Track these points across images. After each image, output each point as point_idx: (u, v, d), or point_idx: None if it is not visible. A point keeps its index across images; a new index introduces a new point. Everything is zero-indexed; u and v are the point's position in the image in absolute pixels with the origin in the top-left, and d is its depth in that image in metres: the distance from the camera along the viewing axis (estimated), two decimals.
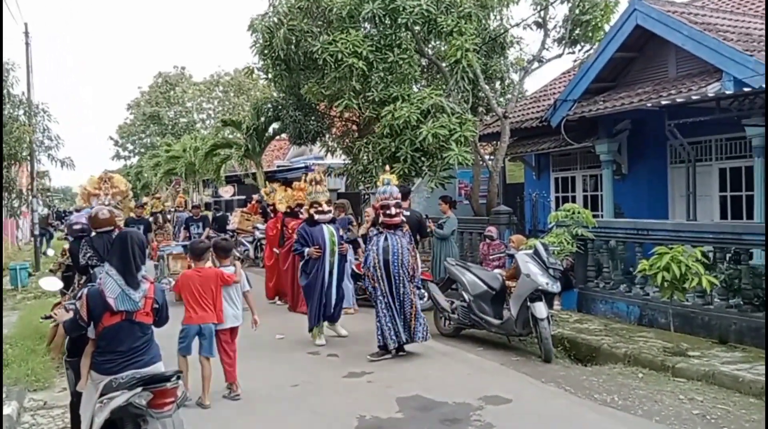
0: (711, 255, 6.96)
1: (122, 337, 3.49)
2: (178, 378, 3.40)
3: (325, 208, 7.25)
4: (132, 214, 10.00)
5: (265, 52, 10.27)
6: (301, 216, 8.67)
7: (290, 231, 8.79)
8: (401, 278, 6.39)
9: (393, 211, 6.42)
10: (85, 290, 3.60)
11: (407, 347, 6.53)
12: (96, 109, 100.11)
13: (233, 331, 5.31)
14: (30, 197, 15.82)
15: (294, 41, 10.08)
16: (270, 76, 10.75)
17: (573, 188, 12.36)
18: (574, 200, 11.65)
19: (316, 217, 7.19)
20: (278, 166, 25.66)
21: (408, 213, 7.86)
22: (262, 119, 15.86)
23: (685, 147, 8.08)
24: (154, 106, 42.63)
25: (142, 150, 43.92)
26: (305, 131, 13.77)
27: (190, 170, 23.48)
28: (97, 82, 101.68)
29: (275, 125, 16.70)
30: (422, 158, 9.40)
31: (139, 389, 3.26)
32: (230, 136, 20.34)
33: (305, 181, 8.42)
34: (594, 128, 10.78)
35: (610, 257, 8.35)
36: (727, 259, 6.99)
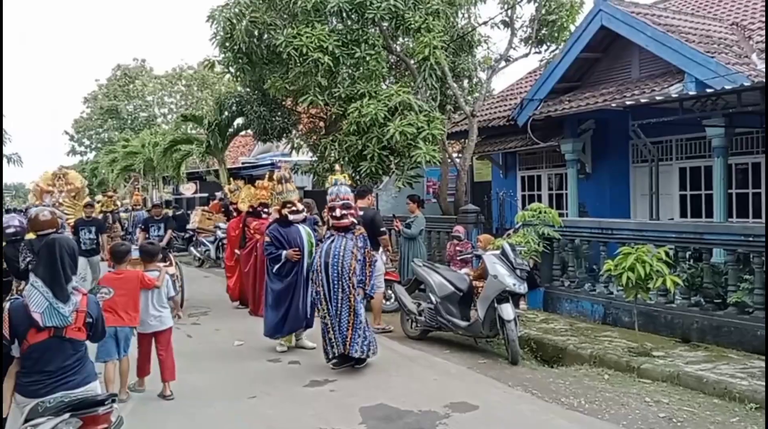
0: (672, 254, 7.05)
1: (50, 355, 3.17)
2: (113, 401, 3.14)
3: (299, 207, 6.90)
4: (82, 214, 9.54)
5: (227, 44, 9.93)
6: (264, 216, 8.40)
7: (252, 231, 8.53)
8: (339, 283, 5.91)
9: (338, 212, 6.00)
10: (7, 304, 3.24)
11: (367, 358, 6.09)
12: (51, 102, 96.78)
13: (161, 334, 5.34)
14: None
15: (257, 34, 9.80)
16: (232, 70, 10.40)
17: (539, 187, 12.44)
18: (540, 199, 11.73)
19: (291, 217, 6.77)
20: (243, 163, 25.15)
21: (362, 212, 7.59)
22: (225, 114, 15.44)
23: (648, 147, 8.16)
24: (112, 100, 41.28)
25: (100, 145, 42.56)
26: (270, 127, 13.45)
27: (149, 167, 22.79)
28: (52, 73, 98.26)
29: (239, 121, 16.30)
30: (390, 156, 9.26)
31: (66, 415, 2.96)
32: (192, 132, 19.80)
33: (270, 179, 8.15)
34: (559, 128, 10.86)
35: (575, 256, 8.40)
36: (688, 257, 7.09)
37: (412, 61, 10.34)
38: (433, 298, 7.05)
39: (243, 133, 18.06)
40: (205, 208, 15.56)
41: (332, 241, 6.03)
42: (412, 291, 7.54)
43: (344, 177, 6.47)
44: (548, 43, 12.00)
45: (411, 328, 7.46)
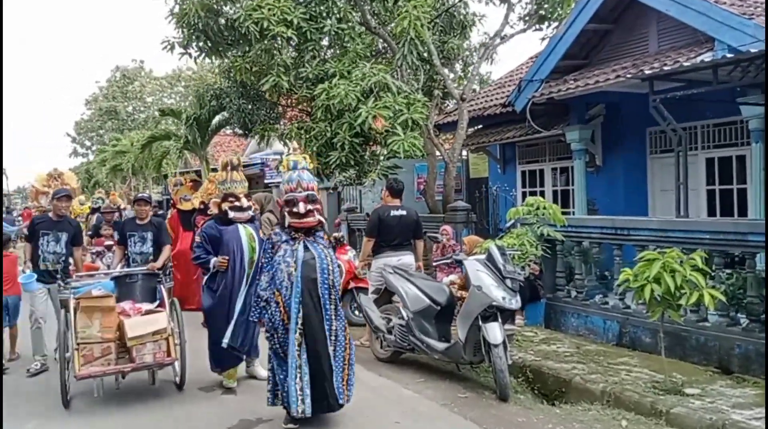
0: (706, 260, 5.62)
1: None
2: None
3: (244, 203, 5.43)
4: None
5: (183, 22, 8.64)
6: (210, 212, 7.04)
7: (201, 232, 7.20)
8: (332, 308, 4.28)
9: (302, 208, 4.24)
10: None
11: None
12: (56, 104, 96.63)
13: None
14: None
15: (215, 8, 8.49)
16: (192, 51, 9.14)
17: (542, 182, 11.03)
18: (543, 196, 10.29)
19: (232, 214, 5.36)
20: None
21: (404, 212, 6.34)
22: (205, 108, 14.20)
23: (674, 128, 6.72)
24: (111, 101, 40.42)
25: (101, 146, 41.80)
26: (251, 121, 12.15)
27: (139, 166, 21.62)
28: (57, 75, 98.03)
29: (223, 115, 15.05)
30: (363, 145, 7.91)
31: None
32: (172, 128, 18.56)
33: (223, 169, 6.72)
34: (564, 113, 9.45)
35: (583, 261, 7.00)
36: (727, 264, 5.66)
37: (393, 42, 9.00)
38: (404, 313, 5.68)
39: (227, 130, 16.78)
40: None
41: (306, 249, 4.28)
42: (382, 303, 6.18)
43: (305, 159, 4.63)
44: (550, 21, 10.61)
45: (380, 348, 6.09)
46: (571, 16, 8.88)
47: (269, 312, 4.21)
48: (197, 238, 5.48)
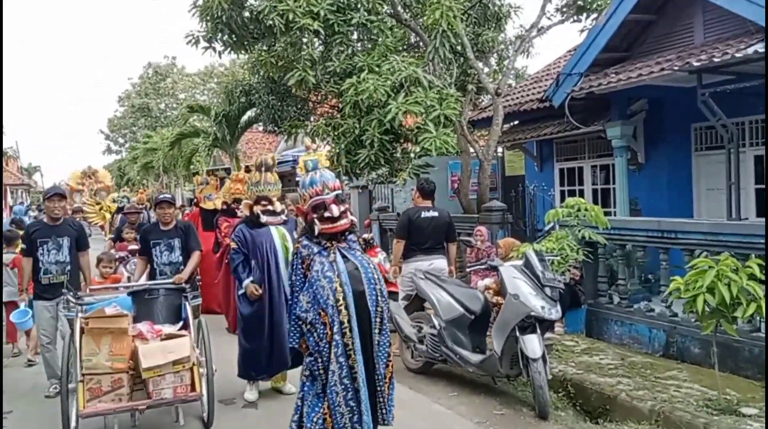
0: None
1: None
2: None
3: (278, 207, 5.14)
4: (101, 216, 8.13)
5: (207, 15, 8.47)
6: (239, 214, 6.87)
7: (223, 234, 7.04)
8: (378, 325, 3.68)
9: (336, 210, 3.70)
10: None
11: None
12: (92, 102, 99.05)
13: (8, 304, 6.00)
14: None
15: (238, 0, 8.30)
16: (217, 46, 8.98)
17: (581, 181, 10.58)
18: (582, 195, 9.86)
19: (264, 219, 5.07)
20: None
21: (436, 213, 6.06)
22: (235, 105, 14.11)
23: (724, 123, 6.26)
24: (143, 98, 41.04)
25: (133, 144, 42.48)
26: (280, 118, 11.98)
27: (169, 163, 21.78)
28: (93, 73, 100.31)
29: (251, 112, 14.95)
30: (393, 143, 7.63)
31: None
32: (200, 125, 18.58)
33: (247, 170, 6.47)
34: (605, 109, 9.01)
35: (626, 265, 6.61)
36: None
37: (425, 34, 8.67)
38: (436, 322, 5.40)
39: (253, 127, 16.69)
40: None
41: (345, 259, 3.71)
42: (413, 310, 5.91)
43: (322, 157, 4.12)
44: (589, 12, 10.12)
45: (411, 357, 5.83)
46: (611, 7, 8.44)
47: (315, 335, 3.61)
48: (233, 245, 5.13)
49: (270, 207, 5.12)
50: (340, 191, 3.89)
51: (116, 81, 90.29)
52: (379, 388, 3.62)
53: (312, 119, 12.51)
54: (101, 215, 15.06)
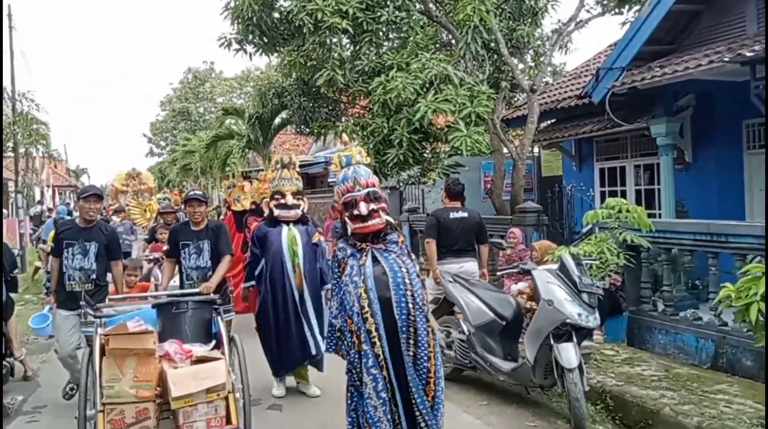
0: None
1: None
2: None
3: (289, 200, 5.08)
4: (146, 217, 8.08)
5: (238, 17, 8.45)
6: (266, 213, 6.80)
7: (251, 233, 6.95)
8: (412, 334, 3.34)
9: (363, 208, 3.44)
10: None
11: None
12: (136, 106, 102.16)
13: None
14: (16, 194, 14.62)
15: (268, 1, 8.23)
16: (248, 48, 8.95)
17: (623, 181, 10.10)
18: (624, 196, 9.39)
19: (277, 212, 5.06)
20: (301, 161, 24.08)
21: (466, 214, 5.86)
22: (268, 107, 14.16)
23: None
24: (183, 103, 42.01)
25: (173, 146, 43.53)
26: (311, 119, 11.94)
27: (205, 165, 22.09)
28: (136, 79, 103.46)
29: (284, 115, 14.99)
30: (423, 142, 7.40)
31: None
32: (234, 127, 18.76)
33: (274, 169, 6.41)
34: (649, 104, 8.54)
35: (672, 270, 6.20)
36: None
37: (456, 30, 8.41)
38: (465, 327, 5.14)
39: (291, 128, 16.71)
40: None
41: (375, 261, 3.44)
42: (441, 314, 5.66)
43: (360, 153, 3.91)
44: (631, 4, 9.68)
45: None
46: None
47: (345, 343, 3.41)
48: (250, 243, 5.22)
49: (282, 200, 5.12)
50: (374, 188, 3.57)
51: (159, 86, 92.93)
52: (417, 410, 3.28)
53: (343, 120, 12.43)
54: (145, 217, 15.34)
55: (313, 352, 5.02)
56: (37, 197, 23.19)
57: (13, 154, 14.37)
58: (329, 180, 20.82)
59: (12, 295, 5.40)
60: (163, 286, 5.30)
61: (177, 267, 5.12)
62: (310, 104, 11.54)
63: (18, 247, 13.15)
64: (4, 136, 12.64)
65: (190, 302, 4.07)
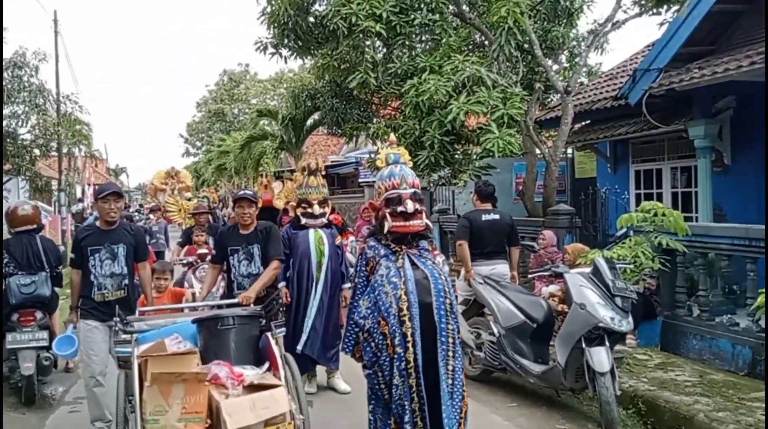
0: None
1: None
2: None
3: (316, 210, 5.26)
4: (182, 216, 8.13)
5: (274, 22, 8.62)
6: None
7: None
8: (450, 341, 3.34)
9: (410, 206, 3.37)
10: None
11: None
12: (175, 107, 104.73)
13: None
14: (59, 192, 15.16)
15: (303, 5, 8.38)
16: (283, 52, 9.12)
17: (659, 183, 9.92)
18: (660, 198, 9.23)
19: (303, 220, 5.29)
20: (332, 162, 24.32)
21: (497, 216, 5.91)
22: (300, 109, 14.38)
23: None
24: (219, 104, 42.83)
25: (209, 147, 44.42)
26: (343, 120, 12.10)
27: (239, 165, 22.49)
28: (177, 81, 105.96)
29: (316, 116, 15.20)
30: (454, 144, 7.43)
31: None
32: (268, 128, 19.07)
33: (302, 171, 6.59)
34: (686, 106, 8.38)
35: (708, 275, 6.08)
36: None
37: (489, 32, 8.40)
38: (495, 329, 5.16)
39: (317, 130, 16.95)
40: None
41: (414, 265, 3.38)
42: (471, 315, 5.69)
43: (405, 153, 3.77)
44: (670, 4, 9.50)
45: (469, 364, 5.60)
46: None
47: (372, 345, 3.32)
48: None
49: (309, 210, 5.28)
50: (418, 190, 3.53)
51: (196, 87, 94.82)
52: (446, 418, 3.21)
53: (375, 121, 12.53)
54: (181, 215, 15.76)
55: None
56: (78, 195, 24.00)
57: (57, 154, 14.94)
58: (360, 180, 21.00)
59: (56, 289, 5.62)
60: (202, 296, 4.85)
61: (222, 274, 4.86)
62: (342, 106, 11.69)
63: (60, 244, 13.65)
64: (49, 137, 13.16)
65: (237, 317, 3.52)
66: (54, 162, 16.67)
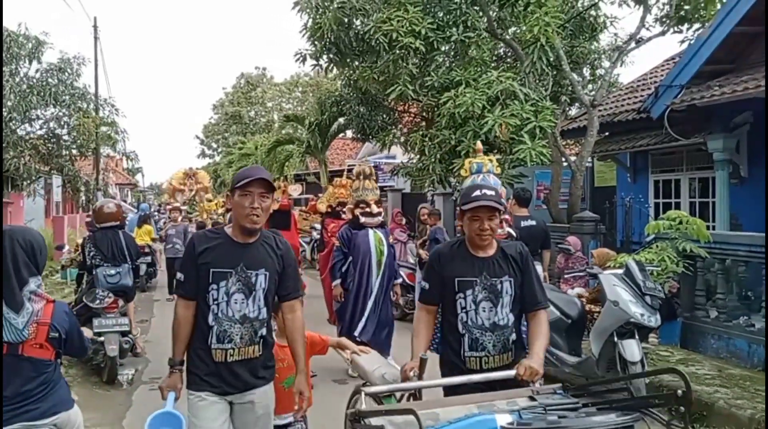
0: None
1: (6, 377, 2.44)
2: None
3: (374, 209, 5.96)
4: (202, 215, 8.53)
5: (317, 36, 9.20)
6: (343, 216, 7.52)
7: (329, 234, 7.65)
8: None
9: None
10: None
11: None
12: (191, 109, 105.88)
13: None
14: (95, 191, 15.82)
15: (346, 21, 8.94)
16: (322, 62, 9.69)
17: (677, 193, 10.39)
18: (678, 207, 9.71)
19: (363, 219, 5.92)
20: (349, 165, 24.92)
21: (534, 222, 6.44)
22: (326, 114, 14.98)
23: None
24: (235, 106, 43.54)
25: (226, 149, 45.13)
26: (369, 126, 12.71)
27: (266, 168, 23.06)
28: (191, 84, 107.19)
29: (340, 121, 15.79)
30: (488, 153, 7.94)
31: None
32: (294, 133, 19.67)
33: (348, 176, 7.23)
34: (705, 121, 8.85)
35: (726, 279, 6.56)
36: None
37: (520, 48, 8.93)
38: None
39: (343, 134, 17.52)
40: (302, 208, 15.16)
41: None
42: None
43: (491, 161, 3.80)
44: (691, 22, 9.99)
45: None
46: (717, 18, 8.34)
47: None
48: (336, 243, 5.97)
49: (368, 209, 5.91)
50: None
51: (211, 90, 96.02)
52: None
53: (398, 127, 13.12)
54: (202, 215, 16.34)
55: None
56: (112, 194, 24.71)
57: (93, 155, 15.60)
58: (378, 184, 21.59)
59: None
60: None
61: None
62: (368, 112, 12.31)
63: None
64: (86, 138, 13.79)
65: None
66: (87, 163, 17.28)
